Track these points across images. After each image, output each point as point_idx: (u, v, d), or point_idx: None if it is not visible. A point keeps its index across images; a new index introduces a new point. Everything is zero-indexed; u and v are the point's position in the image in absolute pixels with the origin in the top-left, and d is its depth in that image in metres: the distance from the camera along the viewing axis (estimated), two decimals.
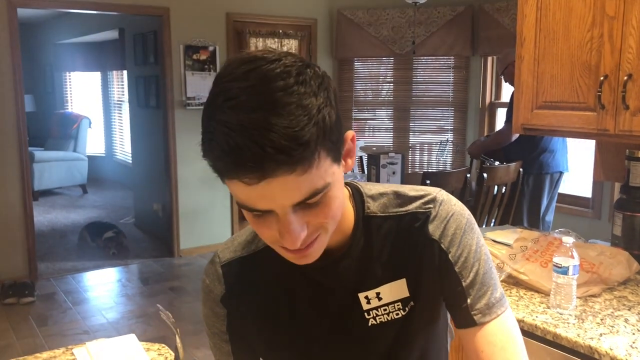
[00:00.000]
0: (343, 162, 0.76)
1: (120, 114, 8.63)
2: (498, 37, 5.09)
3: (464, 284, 0.84)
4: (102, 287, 4.82)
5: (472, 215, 0.88)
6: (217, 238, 5.52)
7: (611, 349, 1.40)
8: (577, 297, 1.68)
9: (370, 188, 0.89)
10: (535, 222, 3.78)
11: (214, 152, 0.69)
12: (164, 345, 1.49)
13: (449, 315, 0.96)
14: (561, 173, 3.87)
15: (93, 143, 9.01)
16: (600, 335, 1.47)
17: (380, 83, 6.07)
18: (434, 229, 0.84)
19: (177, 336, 0.75)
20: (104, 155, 9.28)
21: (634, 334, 1.48)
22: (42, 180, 7.68)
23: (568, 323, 1.55)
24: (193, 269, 5.13)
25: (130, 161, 6.92)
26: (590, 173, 4.51)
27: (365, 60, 6.01)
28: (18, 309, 4.21)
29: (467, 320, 0.84)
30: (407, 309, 0.86)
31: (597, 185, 4.42)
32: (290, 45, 5.72)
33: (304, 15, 5.77)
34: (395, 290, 0.86)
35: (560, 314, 1.61)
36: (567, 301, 1.61)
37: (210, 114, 0.69)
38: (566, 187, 4.34)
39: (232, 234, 5.63)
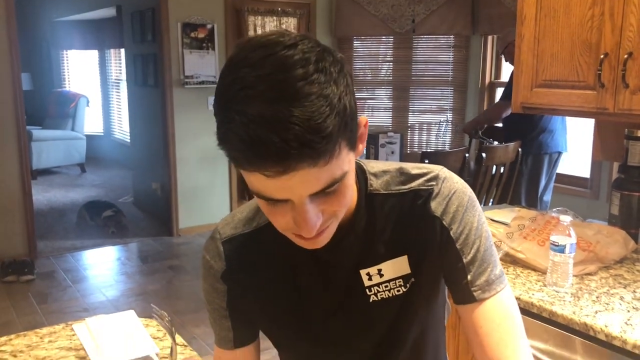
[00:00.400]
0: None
1: (119, 92, 8.59)
2: (499, 16, 5.05)
3: (464, 260, 0.84)
4: (102, 265, 4.84)
5: (473, 193, 0.88)
6: (216, 217, 5.52)
7: (606, 326, 1.41)
8: (574, 276, 1.69)
9: (373, 166, 0.89)
10: (533, 201, 3.80)
11: (232, 142, 0.67)
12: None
13: (446, 292, 0.97)
14: (560, 153, 3.87)
15: (91, 122, 8.97)
16: (596, 312, 1.49)
17: (379, 62, 6.03)
18: (436, 206, 0.84)
19: (172, 336, 0.75)
20: (102, 134, 9.25)
21: (629, 311, 1.49)
22: (41, 159, 7.67)
23: (564, 301, 1.56)
24: (192, 248, 5.15)
25: (129, 140, 6.90)
26: (588, 153, 4.51)
27: (365, 39, 5.96)
28: (18, 286, 4.24)
29: (466, 296, 0.85)
30: (408, 285, 0.87)
31: (595, 165, 4.42)
32: (289, 23, 5.67)
33: None
34: (396, 267, 0.86)
35: (557, 291, 1.62)
36: (563, 279, 1.62)
37: (226, 103, 0.67)
38: (564, 167, 4.34)
39: None
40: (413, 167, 0.88)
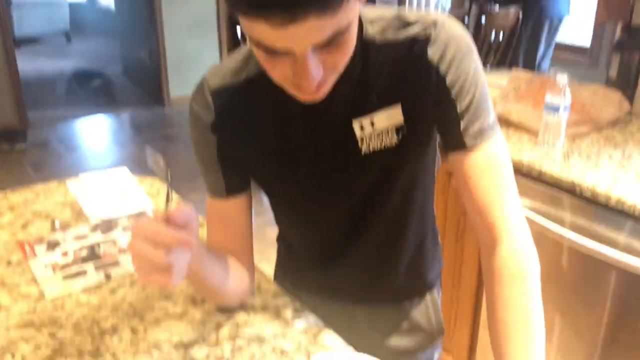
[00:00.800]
0: None
1: None
2: None
3: (458, 108, 0.82)
4: (94, 134, 4.84)
5: (472, 40, 0.84)
6: None
7: (593, 184, 1.44)
8: (566, 137, 1.70)
9: (369, 12, 0.85)
10: (531, 68, 3.73)
11: None
12: (156, 179, 1.52)
13: (437, 147, 0.96)
14: (560, 20, 3.74)
15: None
16: (584, 170, 1.51)
17: None
18: (433, 53, 0.81)
19: (168, 182, 0.74)
20: (85, 1, 8.83)
21: (616, 170, 1.51)
22: (22, 26, 7.37)
23: (554, 160, 1.58)
24: (185, 117, 5.06)
25: (114, 7, 6.60)
26: (590, 21, 4.36)
27: None
28: (12, 156, 4.26)
29: (458, 144, 0.84)
30: (400, 135, 0.85)
31: (596, 32, 4.30)
32: None
33: None
34: (389, 116, 0.84)
35: (548, 151, 1.63)
36: (555, 139, 1.63)
37: None
38: (564, 36, 4.22)
39: None
40: (411, 14, 0.84)
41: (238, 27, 3.83)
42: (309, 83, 0.69)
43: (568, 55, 4.50)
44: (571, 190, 1.49)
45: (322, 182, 0.91)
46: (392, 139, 0.85)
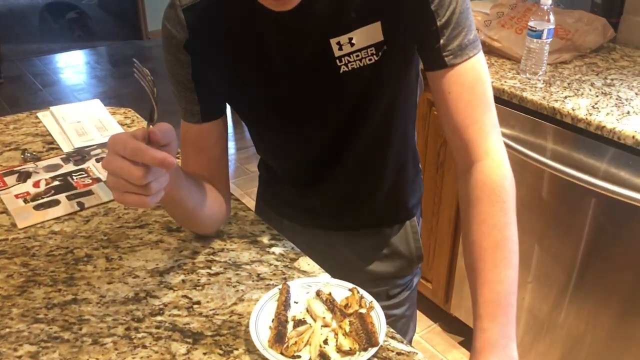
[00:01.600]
0: None
1: None
2: None
3: (438, 23, 0.80)
4: (71, 69, 4.71)
5: None
6: None
7: (573, 110, 1.43)
8: (548, 64, 1.67)
9: None
10: None
11: None
12: (130, 109, 1.48)
13: (420, 66, 0.94)
14: None
15: None
16: (565, 97, 1.49)
17: None
18: None
19: (153, 96, 0.71)
20: None
21: (597, 96, 1.50)
22: None
23: (535, 87, 1.56)
24: None
25: None
26: None
27: None
28: None
29: (438, 61, 0.81)
30: (380, 54, 0.83)
31: None
32: None
33: None
34: (368, 34, 0.81)
35: (529, 79, 1.61)
36: (537, 66, 1.60)
37: None
38: None
39: None
40: None
41: None
42: None
43: None
44: (552, 118, 1.48)
45: (300, 103, 0.89)
46: (371, 57, 0.83)
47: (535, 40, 1.57)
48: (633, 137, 1.31)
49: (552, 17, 1.55)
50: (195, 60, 0.86)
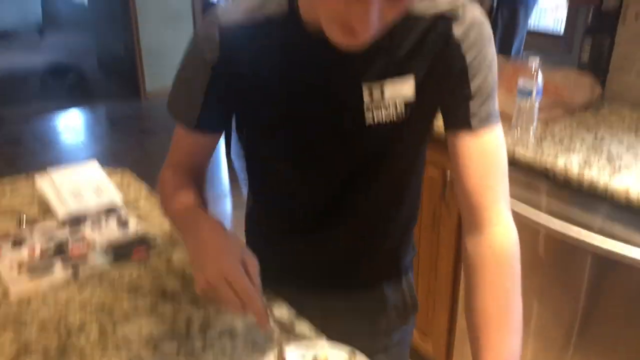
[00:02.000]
0: None
1: None
2: None
3: (471, 87, 0.83)
4: (70, 129, 4.77)
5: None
6: None
7: (565, 166, 1.44)
8: (539, 121, 1.70)
9: None
10: (507, 54, 3.74)
11: None
12: (127, 169, 1.49)
13: None
14: (533, 6, 3.76)
15: None
16: (557, 154, 1.51)
17: None
18: (458, 31, 0.82)
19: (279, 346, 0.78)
20: None
21: (588, 152, 1.52)
22: None
23: (527, 144, 1.58)
24: (162, 111, 5.01)
25: (86, 1, 6.49)
26: (563, 8, 4.38)
27: None
28: None
29: (465, 123, 0.84)
30: (407, 107, 0.84)
31: (570, 18, 4.32)
32: None
33: None
34: (400, 86, 0.83)
35: (521, 136, 1.63)
36: (528, 124, 1.63)
37: None
38: (539, 23, 4.23)
39: None
40: None
41: None
42: (366, 26, 0.66)
43: (543, 42, 4.52)
44: (544, 174, 1.49)
45: (317, 143, 0.88)
46: (399, 113, 0.84)
47: (525, 98, 1.60)
48: (625, 193, 1.32)
49: (540, 76, 1.59)
50: (216, 79, 0.86)
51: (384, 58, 0.82)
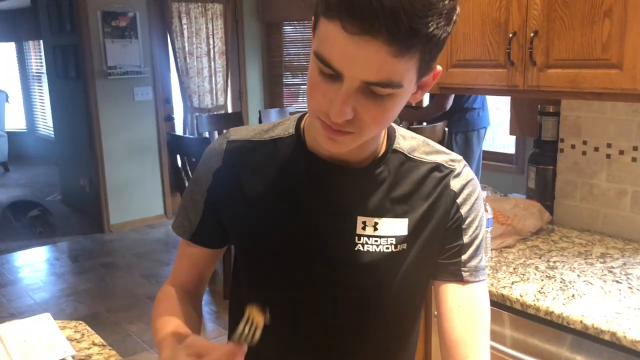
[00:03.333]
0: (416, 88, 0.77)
1: (41, 86, 8.20)
2: None
3: (464, 240, 0.88)
4: (29, 267, 4.64)
5: None
6: (148, 211, 5.40)
7: (521, 296, 1.47)
8: (493, 249, 1.75)
9: (403, 131, 0.93)
10: None
11: None
12: (81, 322, 1.45)
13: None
14: (485, 128, 3.99)
15: (12, 118, 8.54)
16: (512, 283, 1.54)
17: (310, 47, 6.00)
18: (455, 184, 0.88)
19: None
20: (25, 130, 8.83)
21: (542, 280, 1.55)
22: None
23: None
24: (124, 244, 5.01)
25: (53, 135, 6.62)
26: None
27: (295, 24, 5.92)
28: None
29: (456, 275, 0.88)
30: (398, 247, 0.87)
31: (519, 141, 4.58)
32: (215, 9, 5.55)
33: None
34: (394, 226, 0.87)
35: None
36: None
37: None
38: (491, 144, 4.48)
39: (164, 206, 5.52)
40: (437, 145, 0.94)
41: (178, 156, 3.87)
42: (337, 109, 0.71)
43: (495, 162, 4.75)
44: (502, 304, 1.51)
45: (302, 262, 0.89)
46: (389, 247, 0.87)
47: None
48: (580, 321, 1.34)
49: (489, 207, 1.66)
50: (215, 184, 0.91)
51: (381, 196, 0.87)
